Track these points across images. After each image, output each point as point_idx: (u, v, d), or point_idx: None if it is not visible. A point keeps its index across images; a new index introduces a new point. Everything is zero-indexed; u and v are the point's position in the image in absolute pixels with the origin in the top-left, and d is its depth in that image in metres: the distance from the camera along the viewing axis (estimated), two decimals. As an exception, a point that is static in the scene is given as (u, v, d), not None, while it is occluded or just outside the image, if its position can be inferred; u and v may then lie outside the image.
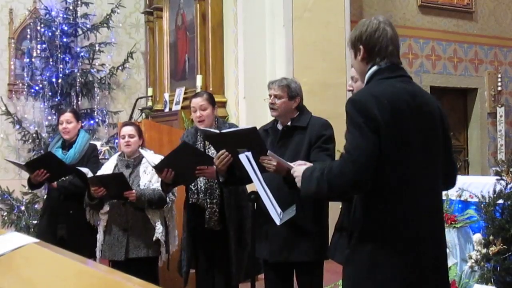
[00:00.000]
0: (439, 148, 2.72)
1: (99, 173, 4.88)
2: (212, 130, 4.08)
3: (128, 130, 4.86)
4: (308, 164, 2.95)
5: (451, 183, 2.94)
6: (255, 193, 3.62)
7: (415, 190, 2.58)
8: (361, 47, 2.74)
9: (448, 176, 2.84)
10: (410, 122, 2.57)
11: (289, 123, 4.02)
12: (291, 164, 3.19)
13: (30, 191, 7.48)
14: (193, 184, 4.50)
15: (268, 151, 3.44)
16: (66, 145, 5.26)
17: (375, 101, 2.53)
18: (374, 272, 2.57)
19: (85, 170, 4.79)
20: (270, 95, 4.05)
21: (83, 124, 8.00)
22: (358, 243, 2.64)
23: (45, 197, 5.68)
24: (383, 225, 2.57)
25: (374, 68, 2.71)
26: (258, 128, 3.88)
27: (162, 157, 4.68)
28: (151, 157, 4.61)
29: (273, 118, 4.16)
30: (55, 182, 5.08)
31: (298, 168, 2.88)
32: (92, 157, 5.26)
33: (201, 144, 4.53)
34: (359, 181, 2.52)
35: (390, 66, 2.70)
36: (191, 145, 4.41)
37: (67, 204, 5.12)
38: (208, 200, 4.45)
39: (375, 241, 2.58)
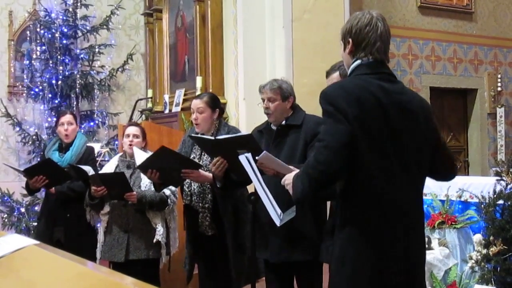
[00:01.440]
0: (420, 145, 2.69)
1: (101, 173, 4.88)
2: (206, 137, 4.07)
3: (133, 130, 4.86)
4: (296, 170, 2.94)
5: (449, 177, 2.99)
6: (255, 194, 3.62)
7: (383, 185, 2.57)
8: (350, 40, 2.74)
9: (445, 169, 2.89)
10: (379, 119, 2.56)
11: (283, 122, 4.02)
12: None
13: (30, 193, 7.48)
14: (187, 186, 4.49)
15: (264, 152, 3.39)
16: (63, 148, 5.25)
17: (343, 94, 2.57)
18: (344, 267, 2.61)
19: (86, 168, 4.78)
20: (263, 99, 4.03)
21: (82, 126, 8.03)
22: (335, 240, 2.69)
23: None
24: (351, 221, 2.60)
25: (357, 62, 2.72)
26: (252, 129, 3.87)
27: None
28: (140, 157, 4.60)
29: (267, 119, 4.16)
30: (53, 188, 5.08)
31: (289, 177, 2.88)
32: (89, 160, 5.24)
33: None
34: (333, 166, 2.52)
35: (372, 62, 2.70)
36: (170, 149, 4.35)
37: (64, 207, 5.12)
38: (200, 204, 4.43)
39: (344, 237, 2.62)
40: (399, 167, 2.61)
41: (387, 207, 2.58)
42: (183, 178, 4.29)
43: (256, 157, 3.37)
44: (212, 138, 3.92)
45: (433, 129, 2.79)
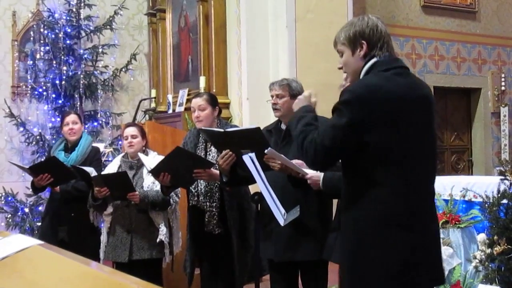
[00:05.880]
0: (433, 136, 2.75)
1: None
2: (216, 129, 4.09)
3: (131, 131, 4.86)
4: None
5: None
6: (259, 194, 3.63)
7: (409, 175, 2.61)
8: (363, 42, 2.72)
9: None
10: (405, 113, 2.59)
11: None
12: (293, 161, 3.29)
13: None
14: (193, 186, 4.50)
15: (269, 148, 3.45)
16: (69, 148, 5.26)
17: (368, 92, 2.57)
18: (373, 262, 2.60)
19: (89, 169, 4.79)
20: (272, 96, 4.08)
21: (86, 126, 8.03)
22: (354, 236, 2.68)
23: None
24: (378, 214, 2.60)
25: (373, 60, 2.71)
26: (261, 128, 3.89)
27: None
28: (149, 161, 4.61)
29: (276, 119, 4.17)
30: (58, 187, 5.09)
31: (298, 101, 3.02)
32: (94, 160, 5.25)
33: (203, 146, 4.52)
34: (317, 163, 2.73)
35: (388, 58, 2.71)
36: (185, 149, 4.40)
37: (68, 207, 5.13)
38: (208, 203, 4.44)
39: (369, 232, 2.61)
40: (424, 158, 2.66)
41: (415, 198, 2.62)
42: (195, 178, 4.30)
43: (265, 151, 3.42)
44: (222, 130, 3.93)
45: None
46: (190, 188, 4.52)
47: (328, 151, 2.63)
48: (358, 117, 2.54)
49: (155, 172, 4.30)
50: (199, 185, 4.48)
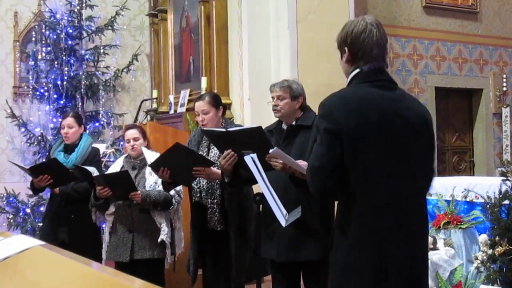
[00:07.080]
0: (418, 151, 2.68)
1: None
2: (217, 129, 4.09)
3: (132, 133, 4.87)
4: None
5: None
6: (260, 195, 3.62)
7: (379, 192, 2.58)
8: (346, 49, 2.72)
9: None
10: (379, 127, 2.56)
11: (293, 123, 4.04)
12: (298, 162, 3.36)
13: (35, 193, 7.50)
14: (195, 183, 4.51)
15: (275, 148, 3.43)
16: (69, 149, 5.27)
17: (341, 104, 2.57)
18: (348, 270, 2.66)
19: (91, 169, 4.79)
20: (273, 97, 4.08)
21: (87, 127, 8.02)
22: (335, 244, 2.74)
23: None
24: (349, 225, 2.61)
25: (356, 71, 2.70)
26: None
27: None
28: (151, 156, 4.62)
29: (277, 119, 4.17)
30: (58, 188, 5.08)
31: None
32: (94, 161, 5.25)
33: (206, 144, 4.53)
34: (321, 188, 2.63)
35: (371, 70, 2.68)
36: (184, 146, 4.39)
37: (68, 208, 5.13)
38: (209, 199, 4.46)
39: (344, 240, 2.65)
40: (402, 173, 2.61)
41: (389, 212, 2.59)
42: (194, 176, 4.31)
43: (268, 153, 3.42)
44: (224, 130, 3.93)
45: (431, 136, 2.79)
46: (193, 184, 4.53)
47: (320, 171, 2.57)
48: (334, 128, 2.54)
49: (154, 166, 4.32)
50: (201, 181, 4.49)
